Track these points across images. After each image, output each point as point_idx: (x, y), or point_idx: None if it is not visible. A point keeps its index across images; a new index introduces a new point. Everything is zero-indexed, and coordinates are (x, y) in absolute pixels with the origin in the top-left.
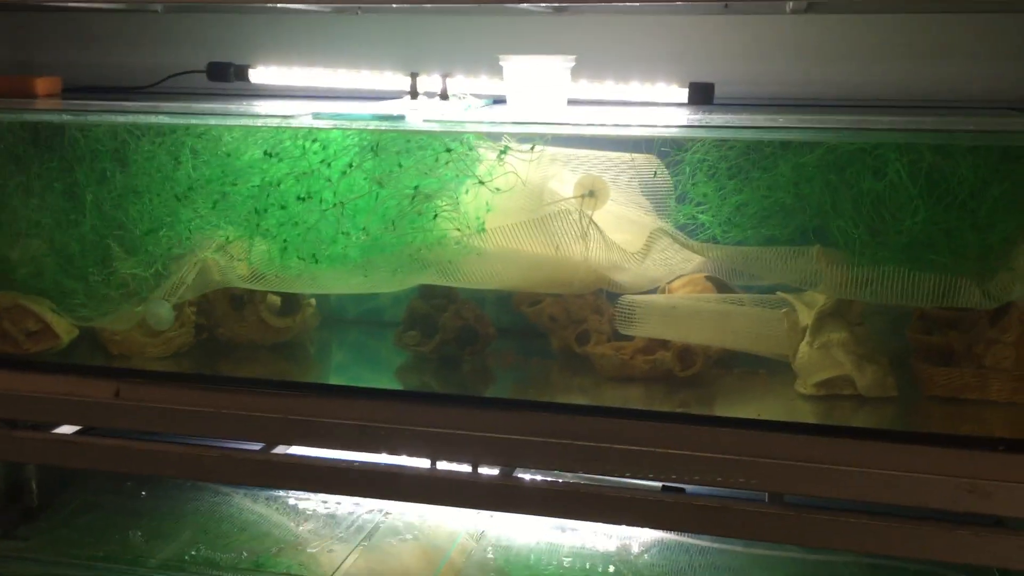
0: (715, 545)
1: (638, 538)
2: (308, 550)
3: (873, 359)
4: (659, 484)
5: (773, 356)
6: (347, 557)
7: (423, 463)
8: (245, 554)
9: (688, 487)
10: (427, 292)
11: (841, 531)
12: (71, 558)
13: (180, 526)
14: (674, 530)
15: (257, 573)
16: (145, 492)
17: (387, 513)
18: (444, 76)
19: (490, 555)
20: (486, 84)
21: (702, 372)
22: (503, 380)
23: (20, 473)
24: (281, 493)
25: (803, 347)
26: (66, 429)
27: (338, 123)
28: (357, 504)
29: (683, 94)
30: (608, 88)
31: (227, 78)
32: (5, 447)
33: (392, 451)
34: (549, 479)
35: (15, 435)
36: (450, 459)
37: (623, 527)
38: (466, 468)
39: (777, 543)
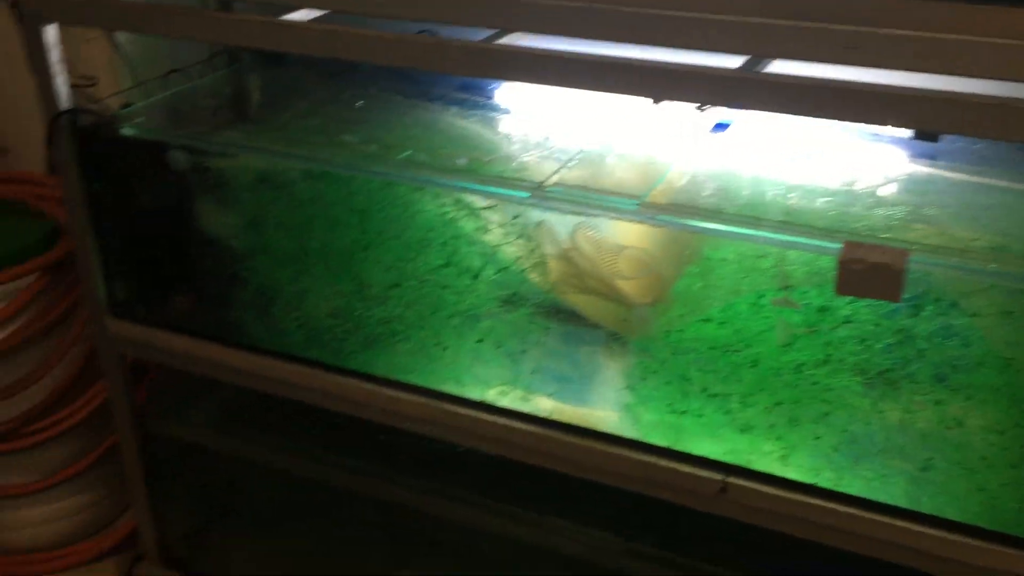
0: (973, 179)
1: (867, 179)
2: (522, 159)
3: None
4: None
5: None
6: (561, 168)
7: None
8: (458, 160)
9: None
10: None
11: None
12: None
13: (393, 134)
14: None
15: (470, 175)
16: (362, 103)
17: (601, 144)
18: None
19: (709, 181)
20: None
21: None
22: None
23: (241, 81)
24: (492, 114)
25: None
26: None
27: None
28: (570, 133)
29: None
30: None
31: None
32: (229, 30)
33: (626, 39)
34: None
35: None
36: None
37: (856, 167)
38: (706, 59)
39: None
